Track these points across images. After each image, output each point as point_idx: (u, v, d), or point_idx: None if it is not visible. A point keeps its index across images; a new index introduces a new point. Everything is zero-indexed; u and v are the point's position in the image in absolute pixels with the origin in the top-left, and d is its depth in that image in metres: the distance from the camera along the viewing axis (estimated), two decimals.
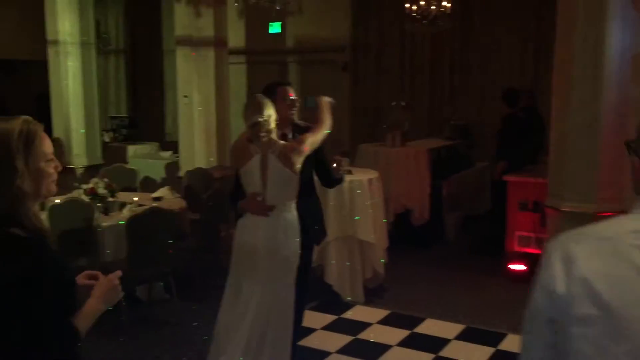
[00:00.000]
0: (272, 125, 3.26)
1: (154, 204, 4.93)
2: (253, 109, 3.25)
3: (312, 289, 5.00)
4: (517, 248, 5.87)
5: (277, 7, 5.11)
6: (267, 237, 3.29)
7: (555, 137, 5.28)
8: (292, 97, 3.56)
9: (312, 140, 3.31)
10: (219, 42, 7.29)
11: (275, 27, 9.23)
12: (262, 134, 3.23)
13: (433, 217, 6.71)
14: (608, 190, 4.70)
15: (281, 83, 3.71)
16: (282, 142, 3.32)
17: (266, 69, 9.11)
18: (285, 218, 3.31)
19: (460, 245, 6.82)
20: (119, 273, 1.85)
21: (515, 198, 5.93)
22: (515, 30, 8.14)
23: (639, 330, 1.19)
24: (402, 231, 6.48)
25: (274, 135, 3.28)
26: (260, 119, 3.21)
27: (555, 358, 1.29)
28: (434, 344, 4.28)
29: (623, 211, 1.60)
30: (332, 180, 3.78)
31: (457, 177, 7.35)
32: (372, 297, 5.11)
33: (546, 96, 5.94)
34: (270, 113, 3.25)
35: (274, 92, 3.51)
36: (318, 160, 3.54)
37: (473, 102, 8.61)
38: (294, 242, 3.33)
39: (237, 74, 9.16)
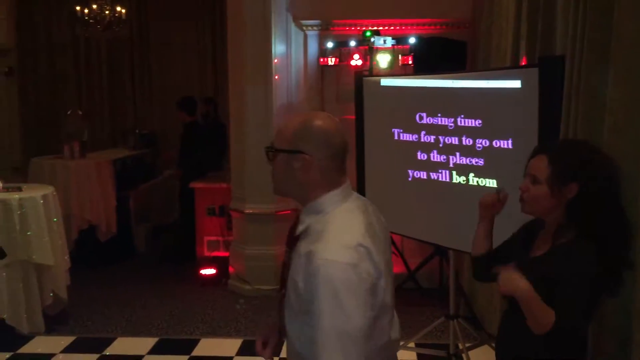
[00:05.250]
0: None
1: None
2: None
3: None
4: (206, 253, 5.99)
5: None
6: None
7: (234, 142, 5.55)
8: None
9: None
10: None
11: None
12: None
13: (121, 231, 6.42)
14: None
15: None
16: None
17: None
18: None
19: (152, 256, 6.67)
20: None
21: (202, 204, 6.03)
22: (193, 38, 8.31)
23: None
24: (87, 249, 6.06)
25: None
26: None
27: None
28: None
29: (295, 209, 1.75)
30: None
31: (144, 187, 7.18)
32: (54, 325, 4.62)
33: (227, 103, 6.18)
34: None
35: None
36: None
37: (157, 110, 8.53)
38: None
39: None
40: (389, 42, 4.92)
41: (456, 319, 3.87)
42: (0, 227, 4.34)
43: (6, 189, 4.66)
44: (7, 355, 4.16)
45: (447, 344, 3.96)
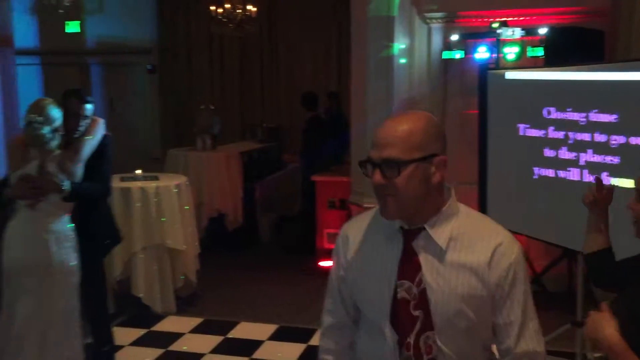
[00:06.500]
0: (50, 129, 3.03)
1: None
2: (32, 109, 3.02)
3: (119, 303, 4.77)
4: (326, 245, 6.09)
5: (66, 4, 4.74)
6: (35, 252, 3.02)
7: (355, 137, 5.59)
8: (80, 111, 3.27)
9: (88, 147, 3.21)
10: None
11: (73, 26, 8.56)
12: (36, 135, 2.99)
13: (247, 220, 6.72)
14: None
15: (74, 94, 3.36)
16: (59, 151, 3.12)
17: (64, 71, 8.43)
18: (56, 230, 3.08)
19: (275, 246, 6.91)
20: None
21: (323, 197, 6.14)
22: (318, 35, 8.46)
23: None
24: (216, 236, 6.40)
25: (54, 143, 3.07)
26: (36, 119, 2.96)
27: None
28: (248, 346, 4.26)
29: None
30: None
31: (269, 179, 7.45)
32: (184, 306, 4.95)
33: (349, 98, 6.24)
34: (52, 116, 3.01)
35: (65, 100, 3.27)
36: (93, 167, 3.29)
37: (283, 105, 8.80)
38: (68, 255, 3.11)
39: (29, 77, 8.34)
40: (518, 33, 4.70)
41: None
42: (138, 214, 4.70)
43: (145, 178, 5.05)
44: (143, 331, 4.51)
45: (573, 353, 3.74)
